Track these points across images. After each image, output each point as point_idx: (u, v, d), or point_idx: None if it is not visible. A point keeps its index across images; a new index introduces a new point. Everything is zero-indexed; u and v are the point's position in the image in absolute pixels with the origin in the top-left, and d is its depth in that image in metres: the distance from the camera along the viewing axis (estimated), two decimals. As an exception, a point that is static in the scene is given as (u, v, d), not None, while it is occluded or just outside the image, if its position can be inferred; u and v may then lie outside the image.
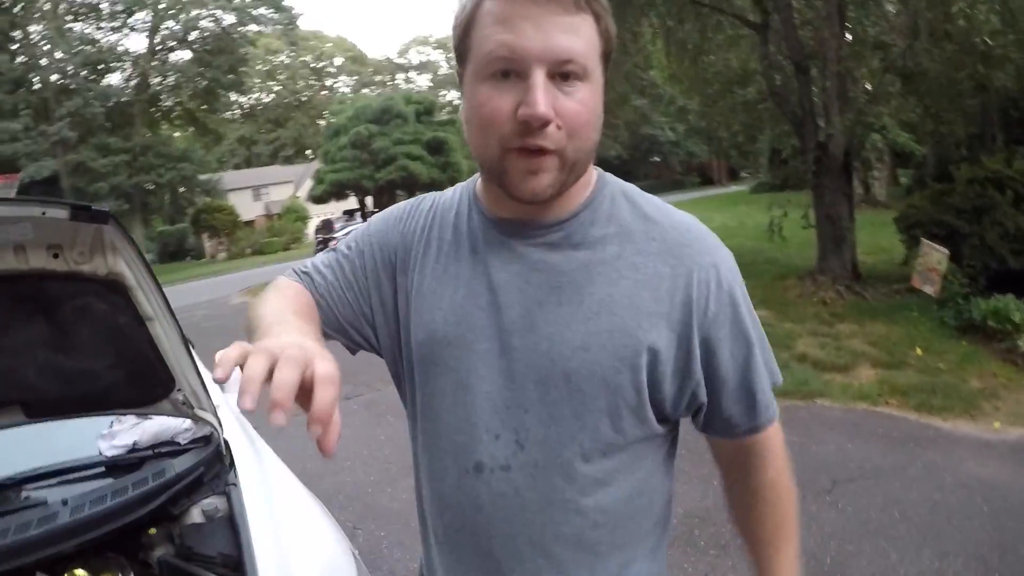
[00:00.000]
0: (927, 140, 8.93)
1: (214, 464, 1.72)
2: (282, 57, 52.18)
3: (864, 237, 8.82)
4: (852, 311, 6.24)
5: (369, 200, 31.36)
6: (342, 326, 0.89)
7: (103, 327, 1.50)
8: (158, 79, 28.09)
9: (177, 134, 35.50)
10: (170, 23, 27.43)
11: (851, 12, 6.45)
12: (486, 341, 0.81)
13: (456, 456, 0.83)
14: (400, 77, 64.90)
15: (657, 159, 45.63)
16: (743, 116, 9.03)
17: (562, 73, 0.71)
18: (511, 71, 0.71)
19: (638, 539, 0.86)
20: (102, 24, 26.94)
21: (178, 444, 1.87)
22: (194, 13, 27.18)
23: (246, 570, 1.37)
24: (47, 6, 25.12)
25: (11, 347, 1.36)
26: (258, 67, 46.94)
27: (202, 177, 30.72)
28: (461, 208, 0.89)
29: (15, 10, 24.24)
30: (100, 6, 26.61)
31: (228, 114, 39.33)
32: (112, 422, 1.90)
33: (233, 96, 34.83)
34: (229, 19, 27.93)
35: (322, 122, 41.72)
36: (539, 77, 0.70)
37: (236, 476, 1.72)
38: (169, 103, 29.94)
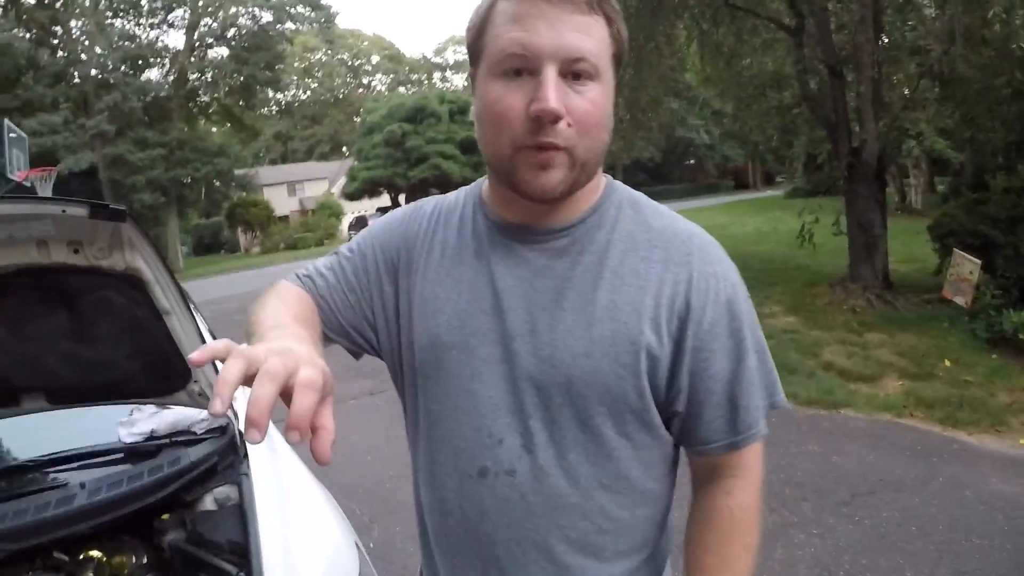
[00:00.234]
0: (965, 147, 8.70)
1: (228, 454, 1.77)
2: (319, 55, 52.92)
3: (898, 245, 8.63)
4: (882, 320, 6.11)
5: (402, 198, 31.66)
6: (344, 328, 0.90)
7: (122, 320, 1.57)
8: (196, 75, 28.58)
9: (214, 129, 36.25)
10: (208, 20, 27.93)
11: (887, 16, 6.32)
12: (489, 345, 0.81)
13: (459, 461, 0.83)
14: (436, 76, 65.34)
15: (692, 162, 45.18)
16: (776, 120, 8.90)
17: (574, 72, 0.72)
18: (523, 69, 0.72)
19: (642, 547, 0.87)
20: (141, 20, 27.54)
21: (194, 433, 1.93)
22: (232, 10, 27.60)
23: (251, 558, 1.42)
24: (87, 2, 25.75)
25: (34, 336, 1.43)
26: (295, 64, 47.64)
27: (237, 172, 31.20)
28: (466, 211, 0.89)
29: (57, 5, 24.91)
30: (140, 3, 27.21)
31: (265, 110, 39.98)
32: (132, 410, 1.97)
33: (270, 93, 35.35)
34: (267, 17, 28.36)
35: (358, 119, 42.21)
36: (551, 73, 0.71)
37: (248, 466, 1.77)
38: (206, 99, 30.47)
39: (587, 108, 0.73)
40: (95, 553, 1.43)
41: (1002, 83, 5.85)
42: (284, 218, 37.98)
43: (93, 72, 25.14)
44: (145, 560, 1.54)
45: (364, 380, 5.38)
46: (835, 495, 3.17)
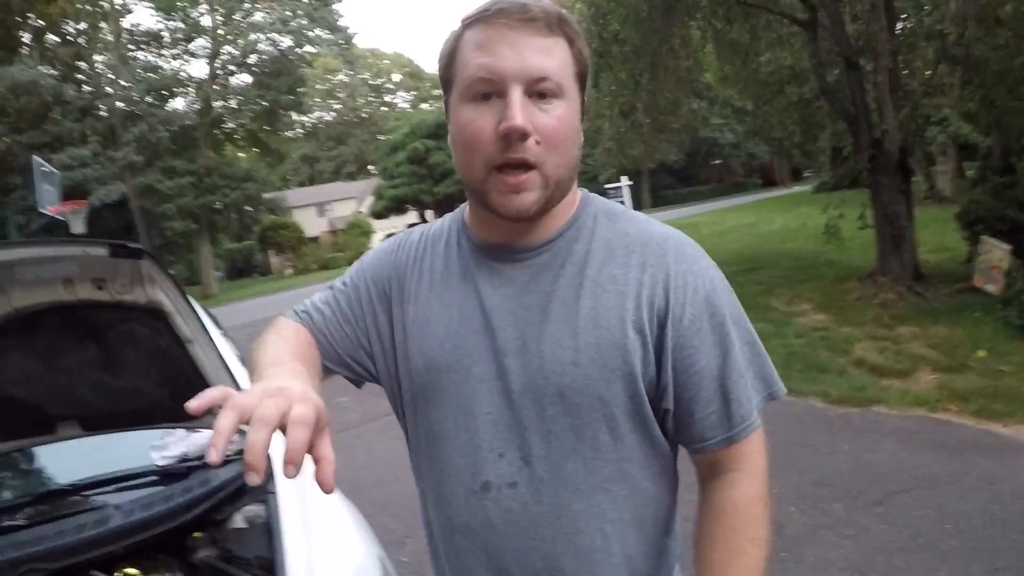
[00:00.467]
0: (991, 131, 8.49)
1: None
2: (340, 76, 53.79)
3: (927, 235, 8.44)
4: (913, 313, 5.99)
5: (430, 214, 31.97)
6: (342, 359, 0.93)
7: (147, 349, 1.65)
8: (220, 102, 29.05)
9: (241, 155, 37.03)
10: (229, 48, 28.42)
11: (900, 2, 6.23)
12: (482, 364, 0.84)
13: (463, 477, 0.85)
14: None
15: (718, 162, 44.78)
16: (796, 115, 8.81)
17: (539, 92, 0.76)
18: (491, 92, 0.76)
19: (648, 549, 0.87)
20: (163, 52, 28.16)
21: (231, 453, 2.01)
22: (252, 37, 28.11)
23: (278, 572, 1.47)
24: (110, 37, 26.40)
25: (66, 368, 1.52)
26: (317, 87, 48.45)
27: (266, 196, 31.69)
28: (451, 237, 0.93)
29: (79, 40, 25.67)
30: (161, 35, 27.89)
31: (290, 133, 40.71)
32: (163, 435, 2.06)
33: (294, 116, 36.00)
34: (286, 42, 28.83)
35: (382, 138, 42.84)
36: (516, 94, 0.75)
37: (275, 485, 1.84)
38: (232, 125, 31.11)
39: (554, 125, 0.77)
40: (131, 571, 1.49)
41: (1020, 64, 5.71)
42: (315, 239, 38.57)
43: (119, 105, 25.72)
44: (179, 577, 1.61)
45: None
46: (868, 495, 3.12)
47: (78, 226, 12.18)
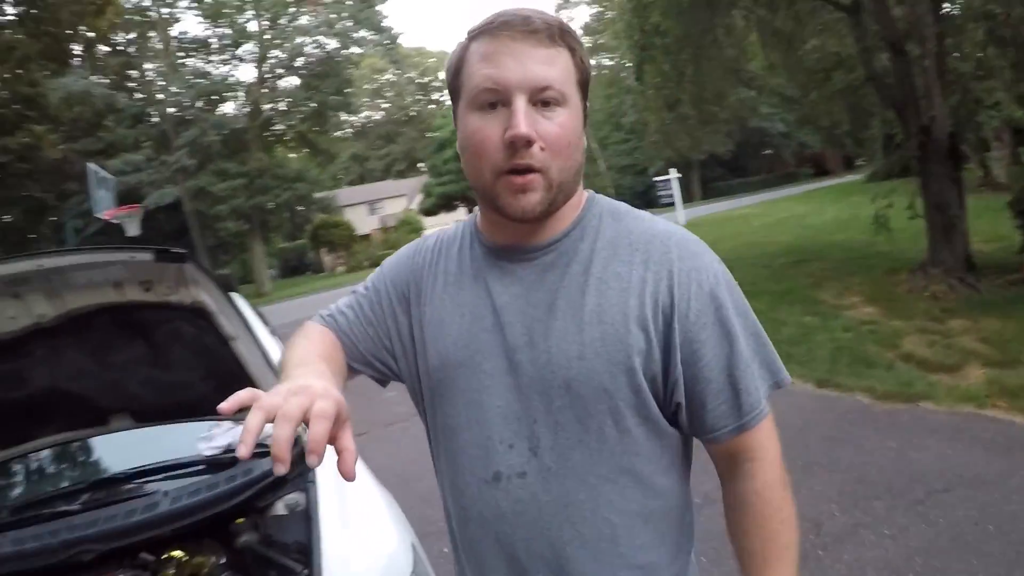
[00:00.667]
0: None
1: (297, 464, 1.94)
2: (388, 75, 54.46)
3: (982, 224, 8.10)
4: (964, 305, 5.78)
5: (478, 210, 32.12)
6: (365, 358, 0.99)
7: (192, 347, 1.76)
8: (269, 105, 29.71)
9: (292, 155, 37.91)
10: (276, 52, 29.06)
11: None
12: (493, 360, 0.88)
13: (475, 468, 0.89)
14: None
15: (768, 152, 43.70)
16: (843, 102, 8.57)
17: (542, 100, 0.80)
18: (497, 101, 0.80)
19: (659, 543, 0.90)
20: (212, 58, 29.03)
21: (266, 446, 2.10)
22: (298, 41, 28.65)
23: (313, 557, 1.56)
24: (159, 45, 27.31)
25: (117, 364, 1.64)
26: (365, 87, 49.16)
27: (317, 195, 32.32)
28: (464, 240, 0.98)
29: (129, 50, 26.62)
30: (209, 41, 28.72)
31: (339, 133, 41.49)
32: (211, 427, 2.19)
33: (343, 116, 36.63)
34: (332, 44, 29.36)
35: (430, 135, 43.29)
36: (520, 103, 0.79)
37: (315, 475, 1.93)
38: (281, 127, 31.82)
39: (557, 132, 0.80)
40: (177, 553, 1.61)
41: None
42: (366, 237, 39.16)
43: (170, 110, 26.62)
44: (223, 560, 1.72)
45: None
46: (910, 493, 3.05)
47: (133, 229, 12.73)
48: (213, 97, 28.49)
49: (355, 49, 31.11)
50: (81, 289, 1.46)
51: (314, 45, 29.25)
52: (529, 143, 0.78)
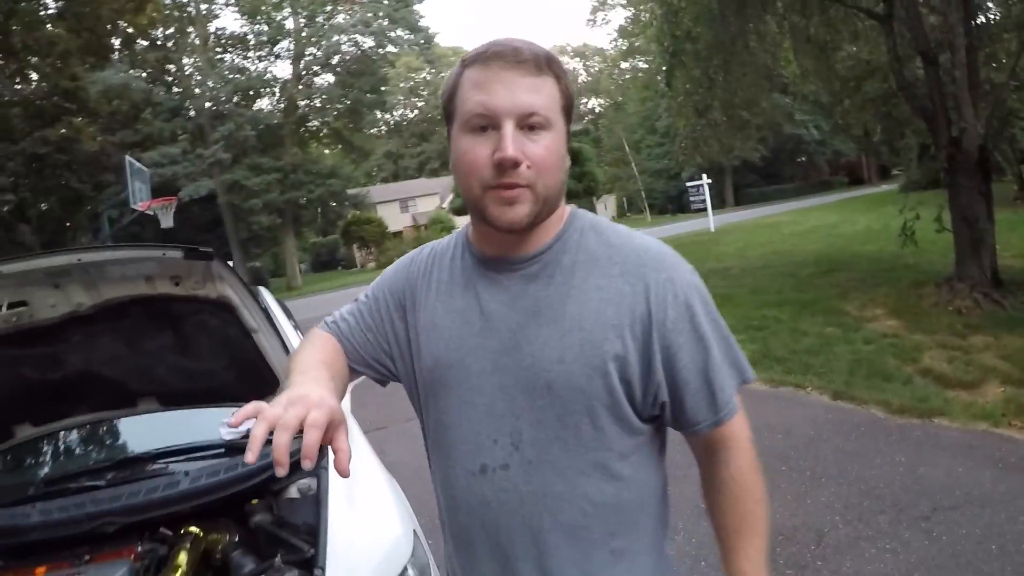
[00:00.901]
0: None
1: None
2: (423, 74, 54.86)
3: (1015, 239, 7.97)
4: (988, 321, 5.70)
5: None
6: (366, 361, 1.08)
7: (217, 337, 1.89)
8: (304, 102, 30.09)
9: (326, 152, 38.42)
10: (312, 49, 29.38)
11: (982, -6, 5.91)
12: (481, 361, 0.95)
13: (464, 461, 0.97)
14: (540, 87, 65.90)
15: (803, 159, 43.07)
16: (874, 111, 8.46)
17: (529, 125, 0.87)
18: (488, 125, 0.87)
19: (632, 530, 0.97)
20: (249, 54, 29.56)
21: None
22: (334, 39, 28.96)
23: (319, 537, 1.67)
24: (197, 41, 27.79)
25: (147, 351, 1.77)
26: (400, 85, 49.52)
27: (350, 191, 32.61)
28: (456, 252, 1.05)
29: (168, 45, 27.21)
30: (247, 37, 29.19)
31: (374, 131, 41.90)
32: (233, 413, 2.31)
33: (377, 114, 36.98)
34: (368, 42, 29.62)
35: (466, 135, 43.24)
36: (509, 128, 0.86)
37: (328, 462, 2.04)
38: (316, 123, 32.24)
39: (542, 153, 0.88)
40: (194, 529, 1.72)
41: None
42: (398, 234, 39.35)
43: (207, 105, 27.04)
44: (237, 538, 1.84)
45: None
46: (915, 509, 3.05)
47: (167, 221, 13.10)
48: (249, 93, 28.98)
49: (391, 48, 31.36)
50: (116, 281, 1.59)
51: (350, 43, 29.57)
52: (516, 164, 0.86)
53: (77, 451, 2.28)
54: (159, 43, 27.01)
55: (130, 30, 22.33)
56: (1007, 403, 4.07)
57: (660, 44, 9.66)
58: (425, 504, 2.02)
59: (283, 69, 53.40)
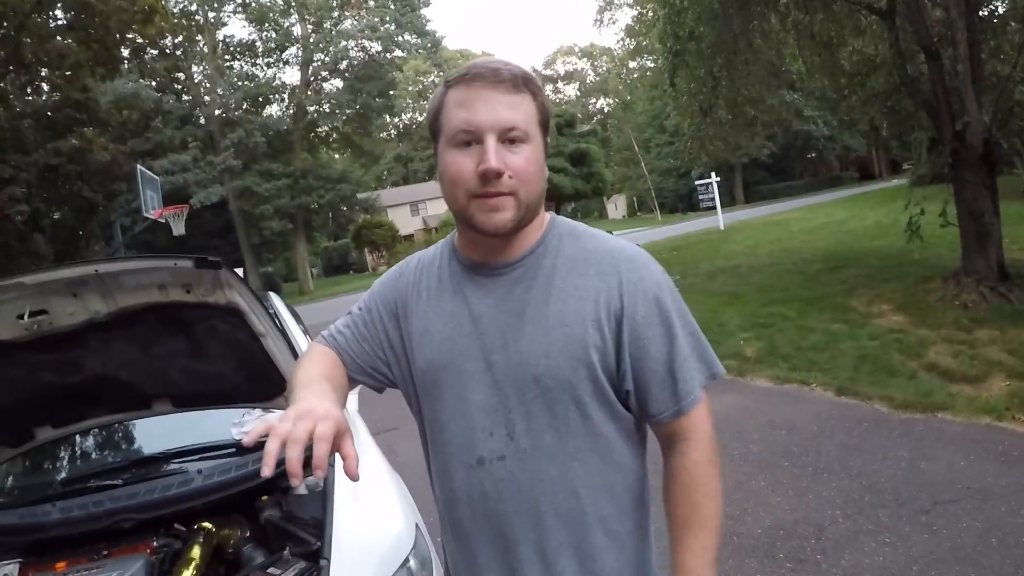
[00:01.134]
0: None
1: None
2: (432, 77, 55.06)
3: (1022, 232, 7.91)
4: (994, 315, 5.70)
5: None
6: (363, 369, 1.14)
7: (227, 342, 1.96)
8: (313, 107, 30.30)
9: (336, 157, 38.63)
10: (320, 55, 29.60)
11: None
12: (473, 361, 1.02)
13: (461, 456, 1.03)
14: (548, 88, 66.07)
15: (812, 155, 42.84)
16: (878, 106, 8.44)
17: (509, 138, 0.94)
18: (472, 140, 0.94)
19: (622, 513, 1.03)
20: (258, 61, 29.80)
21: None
22: (342, 44, 29.17)
23: (325, 530, 1.75)
24: (206, 49, 28.12)
25: (161, 356, 1.86)
26: (409, 89, 49.75)
27: (361, 196, 32.81)
28: (443, 259, 1.12)
29: (177, 53, 27.42)
30: (255, 44, 29.44)
31: (383, 135, 42.10)
32: (243, 413, 2.40)
33: (387, 118, 37.14)
34: (376, 47, 29.76)
35: (475, 138, 43.33)
36: (491, 142, 0.93)
37: (335, 459, 2.12)
38: (325, 129, 32.42)
39: (522, 164, 0.95)
40: (207, 525, 1.81)
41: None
42: (409, 237, 39.59)
43: (217, 112, 27.34)
44: (248, 533, 1.92)
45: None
46: (916, 503, 3.08)
47: (179, 228, 13.27)
48: (259, 99, 29.21)
49: (398, 52, 31.50)
50: (131, 290, 1.68)
51: (358, 48, 29.74)
52: (499, 175, 0.93)
53: (95, 451, 2.39)
54: (168, 52, 27.28)
55: (139, 40, 22.56)
56: (1011, 397, 4.09)
57: (663, 44, 9.69)
58: (432, 500, 2.09)
59: (292, 75, 53.72)
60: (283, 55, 29.92)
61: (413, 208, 46.12)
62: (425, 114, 1.06)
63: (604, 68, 61.37)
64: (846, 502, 3.20)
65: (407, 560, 1.66)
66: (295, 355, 2.05)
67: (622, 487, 1.04)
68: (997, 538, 2.73)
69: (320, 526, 1.81)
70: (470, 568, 1.08)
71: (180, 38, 27.33)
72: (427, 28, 31.03)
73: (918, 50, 6.49)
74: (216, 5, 27.97)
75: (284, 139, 29.01)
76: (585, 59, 64.87)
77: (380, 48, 29.90)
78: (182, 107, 27.26)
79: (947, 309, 6.16)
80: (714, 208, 22.60)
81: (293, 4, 28.75)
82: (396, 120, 45.97)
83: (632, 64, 42.65)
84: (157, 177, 15.14)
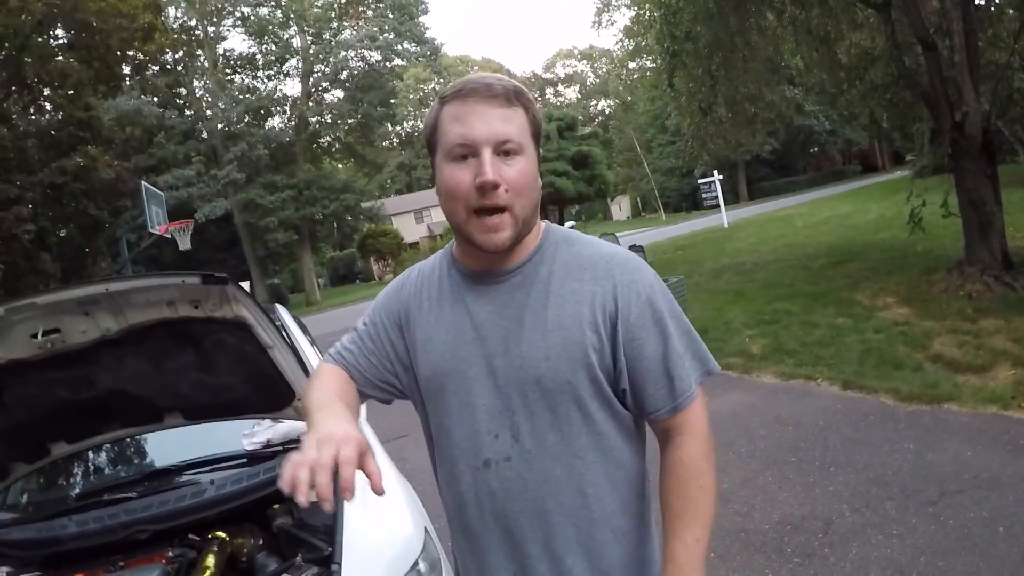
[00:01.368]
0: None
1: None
2: (432, 84, 55.18)
3: (1026, 221, 7.91)
4: (999, 305, 5.70)
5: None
6: (373, 383, 1.17)
7: (235, 354, 2.00)
8: (315, 118, 30.30)
9: (339, 167, 38.72)
10: (321, 66, 29.68)
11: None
12: (476, 366, 1.05)
13: (468, 458, 1.06)
14: (549, 91, 66.17)
15: (814, 150, 42.76)
16: (876, 99, 8.45)
17: (504, 151, 0.97)
18: (468, 154, 0.97)
19: (623, 508, 1.06)
20: (258, 74, 29.88)
21: (296, 440, 2.35)
22: (342, 55, 29.21)
23: (335, 536, 1.79)
24: (206, 63, 28.20)
25: (171, 370, 1.90)
26: (410, 96, 49.86)
27: (365, 205, 32.77)
28: (442, 269, 1.15)
29: (178, 68, 27.56)
30: (255, 57, 29.53)
31: (385, 143, 42.24)
32: (254, 424, 2.45)
33: (388, 127, 37.24)
34: (375, 57, 29.80)
35: (476, 143, 43.40)
36: (487, 155, 0.96)
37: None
38: (328, 139, 32.49)
39: (517, 176, 0.98)
40: (220, 534, 1.85)
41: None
42: (414, 244, 39.61)
43: (219, 126, 27.40)
44: (261, 541, 1.96)
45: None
46: (923, 494, 3.09)
47: (185, 243, 13.36)
48: (260, 112, 29.31)
49: (398, 61, 31.57)
50: (141, 307, 1.73)
51: (357, 59, 29.82)
52: (496, 186, 0.97)
53: (109, 465, 2.43)
54: (169, 68, 27.43)
55: (140, 57, 22.73)
56: (1017, 385, 4.09)
57: (660, 45, 9.72)
58: (442, 505, 2.12)
59: (292, 87, 53.84)
60: (283, 67, 30.05)
61: (417, 215, 46.23)
62: (423, 129, 1.09)
63: (604, 70, 61.40)
64: (853, 495, 3.21)
65: (417, 563, 1.69)
66: (302, 366, 2.09)
67: (624, 483, 1.07)
68: (1004, 527, 2.73)
69: (331, 532, 1.85)
70: (480, 569, 1.10)
71: (180, 54, 27.50)
72: (426, 36, 31.06)
73: (915, 42, 6.51)
74: (215, 20, 28.14)
75: (287, 151, 29.09)
76: (585, 61, 64.99)
77: (380, 57, 29.97)
78: (184, 122, 27.39)
79: (951, 300, 6.16)
80: (718, 206, 22.59)
81: (292, 16, 28.87)
82: (398, 128, 46.03)
83: (632, 65, 42.71)
84: (162, 193, 15.28)
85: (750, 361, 5.81)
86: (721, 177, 22.60)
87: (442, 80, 54.08)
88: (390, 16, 29.70)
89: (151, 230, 13.55)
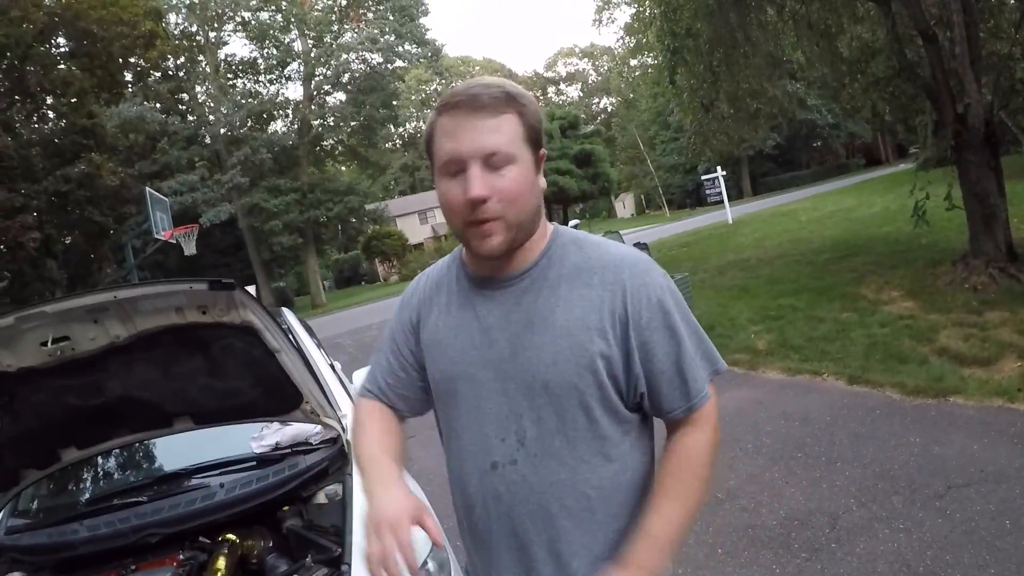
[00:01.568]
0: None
1: (337, 459, 2.19)
2: (434, 85, 55.18)
3: (1034, 213, 7.87)
4: (1005, 297, 5.67)
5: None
6: (414, 406, 1.21)
7: (243, 359, 2.02)
8: (318, 121, 30.36)
9: (343, 169, 38.78)
10: (322, 69, 29.66)
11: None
12: (484, 370, 1.06)
13: (476, 461, 1.08)
14: (551, 90, 66.13)
15: (818, 144, 42.63)
16: (878, 92, 8.42)
17: (493, 163, 0.97)
18: (458, 170, 0.98)
19: (631, 510, 1.07)
20: (260, 78, 29.96)
21: (310, 444, 2.38)
22: (343, 57, 29.21)
23: (345, 537, 1.81)
24: (208, 69, 28.26)
25: (180, 375, 1.92)
26: (412, 98, 49.88)
27: (369, 207, 32.85)
28: (451, 274, 1.18)
29: (180, 74, 27.72)
30: (257, 62, 29.61)
31: (388, 145, 42.28)
32: (262, 427, 2.47)
33: (391, 128, 37.24)
34: (376, 59, 29.82)
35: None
36: (475, 169, 0.96)
37: (352, 469, 2.18)
38: (330, 142, 32.51)
39: (508, 186, 0.98)
40: (231, 536, 1.87)
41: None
42: (418, 245, 39.57)
43: (222, 131, 27.40)
44: (271, 543, 1.98)
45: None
46: (929, 488, 3.09)
47: (190, 248, 13.42)
48: (263, 116, 29.34)
49: (399, 63, 31.57)
50: (149, 314, 1.75)
51: (359, 61, 29.84)
52: (484, 201, 0.97)
53: (119, 470, 2.46)
54: (171, 74, 27.51)
55: (142, 64, 22.83)
56: (1023, 378, 4.07)
57: (661, 42, 9.71)
58: (452, 506, 2.14)
59: (295, 91, 53.88)
60: (285, 71, 30.08)
61: (422, 216, 46.26)
62: (422, 139, 1.12)
63: (605, 68, 61.36)
64: (860, 490, 3.21)
65: (425, 562, 1.71)
66: (309, 368, 2.11)
67: (630, 486, 1.08)
68: (1011, 520, 2.73)
69: (340, 533, 1.87)
70: (488, 570, 1.12)
71: (182, 59, 27.63)
72: (427, 37, 31.03)
73: (915, 34, 6.48)
74: (216, 25, 28.20)
75: (290, 154, 29.13)
76: (586, 59, 65.03)
77: (381, 59, 29.97)
78: (187, 127, 27.48)
79: (957, 292, 6.13)
80: (722, 202, 22.57)
81: (293, 20, 28.89)
82: (400, 130, 46.04)
83: (633, 62, 42.63)
84: (166, 198, 15.35)
85: (756, 357, 5.81)
86: (724, 173, 22.55)
87: (444, 81, 54.32)
88: (391, 18, 29.70)
89: (156, 236, 13.63)
